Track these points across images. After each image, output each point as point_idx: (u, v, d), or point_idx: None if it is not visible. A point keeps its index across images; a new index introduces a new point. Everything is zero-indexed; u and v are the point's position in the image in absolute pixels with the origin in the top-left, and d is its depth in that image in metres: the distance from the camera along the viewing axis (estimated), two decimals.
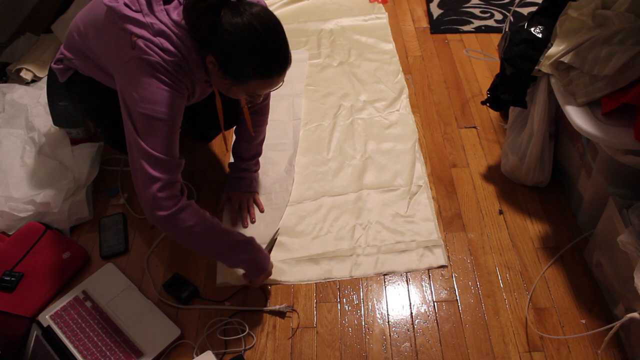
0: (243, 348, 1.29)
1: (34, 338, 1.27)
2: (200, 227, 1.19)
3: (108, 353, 1.27)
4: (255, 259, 1.30)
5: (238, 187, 1.58)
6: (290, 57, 1.16)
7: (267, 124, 1.58)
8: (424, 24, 2.29)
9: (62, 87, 1.46)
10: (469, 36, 2.20)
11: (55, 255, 1.46)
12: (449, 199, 1.59)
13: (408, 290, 1.39)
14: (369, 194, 1.60)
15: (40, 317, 1.36)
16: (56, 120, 1.67)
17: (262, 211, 1.58)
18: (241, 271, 1.39)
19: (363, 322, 1.33)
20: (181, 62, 1.14)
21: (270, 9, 1.20)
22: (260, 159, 1.64)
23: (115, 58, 1.17)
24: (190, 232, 1.18)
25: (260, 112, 1.53)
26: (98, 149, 1.68)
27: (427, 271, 1.42)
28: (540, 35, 1.39)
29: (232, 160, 1.62)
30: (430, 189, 1.61)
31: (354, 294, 1.38)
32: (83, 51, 1.33)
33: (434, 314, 1.33)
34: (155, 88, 1.12)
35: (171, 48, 1.12)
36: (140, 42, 1.10)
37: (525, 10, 2.28)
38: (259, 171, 1.65)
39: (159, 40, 1.11)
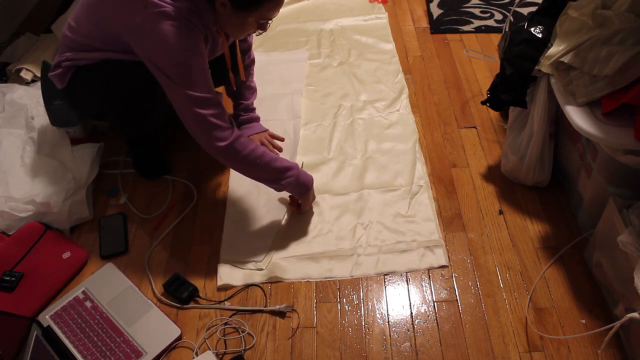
0: (243, 348, 1.29)
1: (34, 338, 1.28)
2: (254, 154, 1.34)
3: (108, 353, 1.27)
4: (301, 180, 1.44)
5: (253, 130, 1.75)
6: None
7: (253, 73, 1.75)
8: (424, 24, 2.29)
9: (57, 87, 1.48)
10: (469, 36, 2.20)
11: (55, 255, 1.46)
12: (449, 199, 1.59)
13: (408, 290, 1.39)
14: (370, 194, 1.60)
15: (40, 317, 1.36)
16: (53, 119, 1.67)
17: (282, 140, 1.77)
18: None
19: (363, 322, 1.33)
20: (192, 6, 1.21)
21: None
22: None
23: (128, 25, 1.23)
24: (247, 159, 1.34)
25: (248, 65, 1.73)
26: (98, 149, 1.69)
27: (427, 271, 1.42)
28: (540, 35, 1.39)
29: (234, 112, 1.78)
30: (431, 189, 1.61)
31: (354, 294, 1.38)
32: (82, 43, 1.36)
33: (434, 314, 1.33)
34: (176, 37, 1.19)
35: None
36: None
37: (525, 10, 2.28)
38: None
39: None
